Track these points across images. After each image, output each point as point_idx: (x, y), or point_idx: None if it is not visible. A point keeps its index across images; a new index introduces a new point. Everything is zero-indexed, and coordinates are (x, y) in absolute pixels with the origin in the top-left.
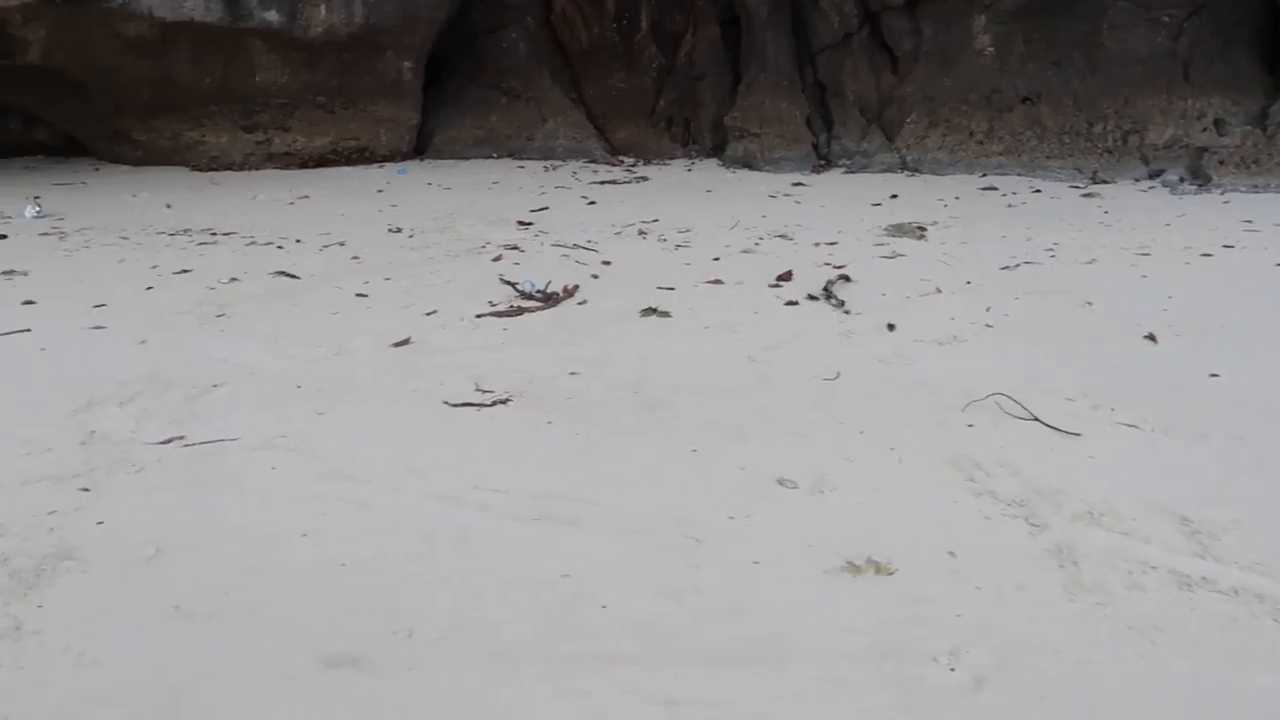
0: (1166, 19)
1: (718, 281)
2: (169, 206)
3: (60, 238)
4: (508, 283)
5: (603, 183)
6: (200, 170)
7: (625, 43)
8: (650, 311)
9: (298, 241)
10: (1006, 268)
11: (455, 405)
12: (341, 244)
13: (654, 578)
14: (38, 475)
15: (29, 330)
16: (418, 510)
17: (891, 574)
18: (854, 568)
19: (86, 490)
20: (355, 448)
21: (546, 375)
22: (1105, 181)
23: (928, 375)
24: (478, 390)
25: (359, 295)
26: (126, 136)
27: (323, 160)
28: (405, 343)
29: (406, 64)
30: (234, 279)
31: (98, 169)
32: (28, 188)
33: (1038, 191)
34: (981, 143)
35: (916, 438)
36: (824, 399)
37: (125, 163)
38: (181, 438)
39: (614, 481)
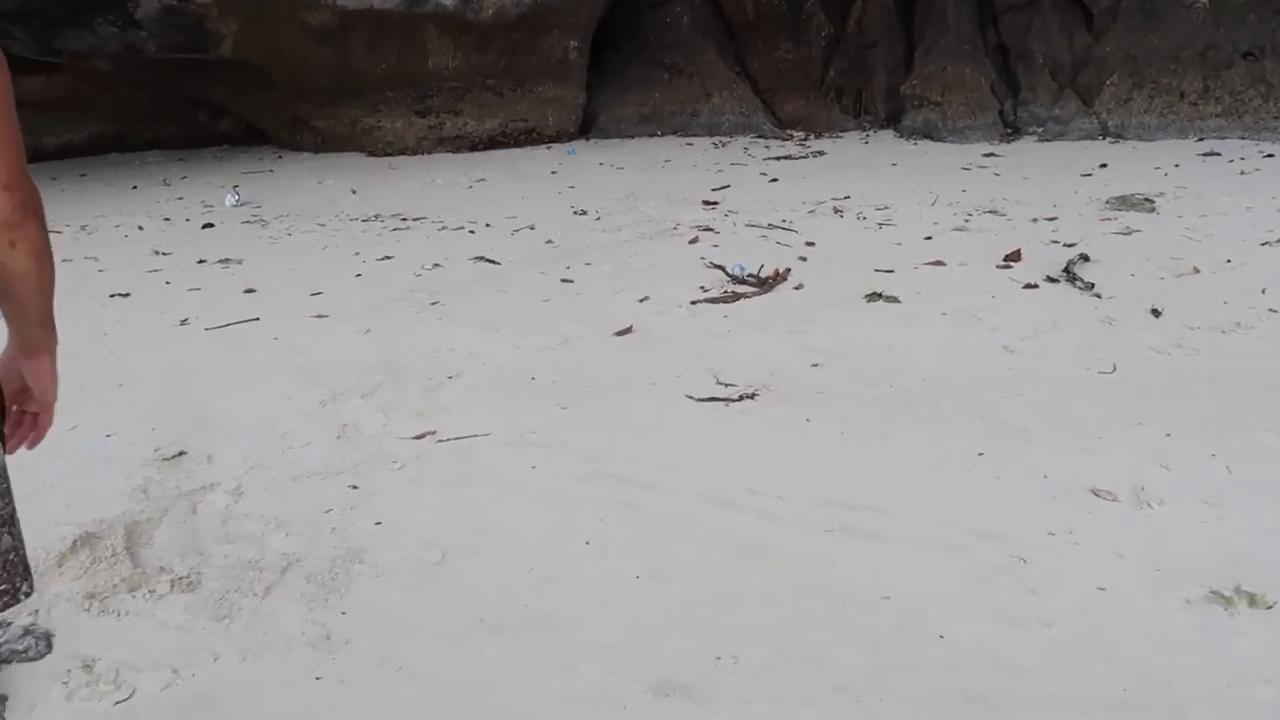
0: None
1: (939, 263)
2: (354, 192)
3: (262, 225)
4: (716, 266)
5: (778, 158)
6: (376, 155)
7: (793, 12)
8: (876, 296)
9: (487, 225)
10: (1267, 243)
11: (700, 400)
12: (531, 227)
13: (988, 603)
14: (304, 470)
15: (258, 319)
16: (695, 516)
17: (1270, 607)
18: (1223, 599)
19: (355, 488)
20: (609, 445)
21: (786, 367)
22: None
23: (1220, 369)
24: (719, 383)
25: (564, 281)
26: (306, 124)
27: (492, 142)
28: (628, 331)
29: (572, 43)
30: (436, 265)
31: (280, 157)
32: (222, 177)
33: (1270, 156)
34: (1195, 104)
35: (1239, 442)
36: (1107, 395)
37: (305, 150)
38: (433, 433)
39: (902, 488)
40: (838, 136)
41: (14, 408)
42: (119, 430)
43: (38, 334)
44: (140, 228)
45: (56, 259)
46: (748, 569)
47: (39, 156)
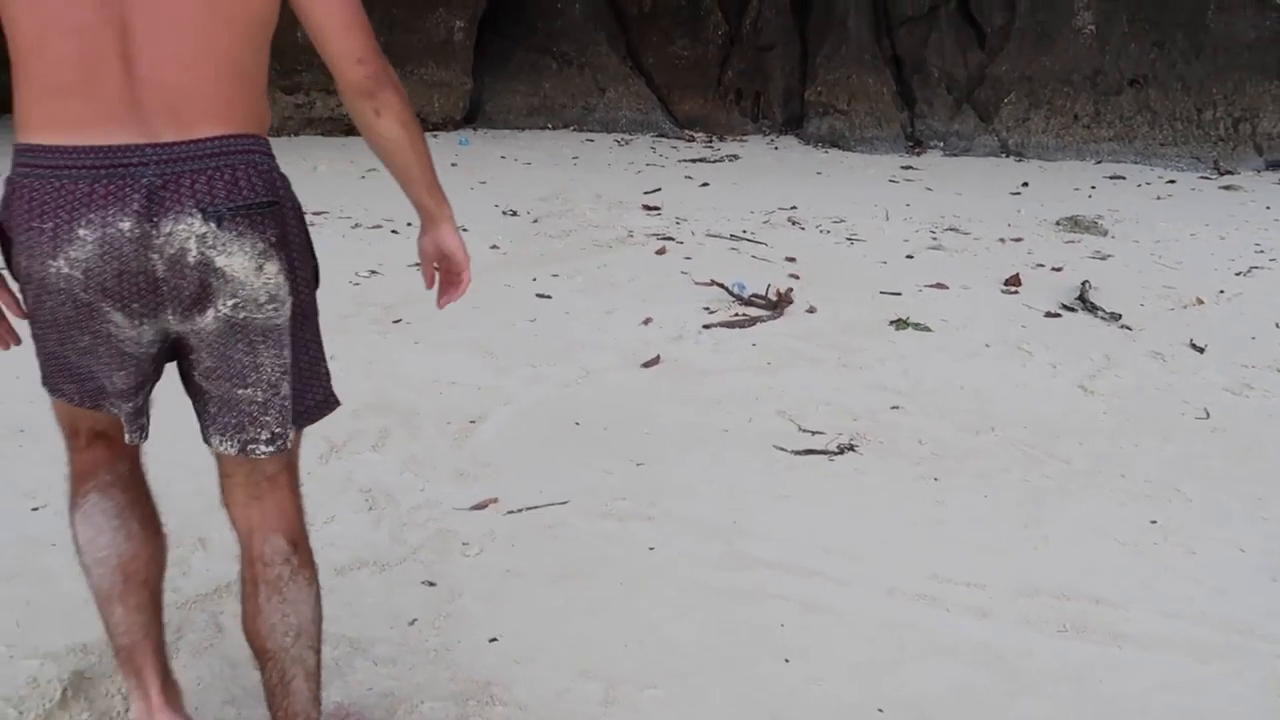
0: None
1: (941, 286)
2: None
3: None
4: (717, 285)
5: (692, 160)
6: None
7: (691, 8)
8: (904, 324)
9: (409, 225)
10: (1241, 273)
11: (796, 453)
12: (464, 229)
13: None
14: (349, 559)
15: None
16: (898, 617)
17: None
18: None
19: (432, 585)
20: (728, 515)
21: (863, 409)
22: (1230, 172)
23: None
24: (801, 430)
25: (541, 296)
26: None
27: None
28: (655, 362)
29: (459, 23)
30: (373, 271)
31: None
32: None
33: (1172, 182)
34: (1088, 127)
35: None
36: (1226, 447)
37: None
38: (494, 501)
39: (1107, 572)
40: (741, 140)
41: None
42: (46, 497)
43: (430, 202)
44: None
45: None
46: (1008, 694)
47: None
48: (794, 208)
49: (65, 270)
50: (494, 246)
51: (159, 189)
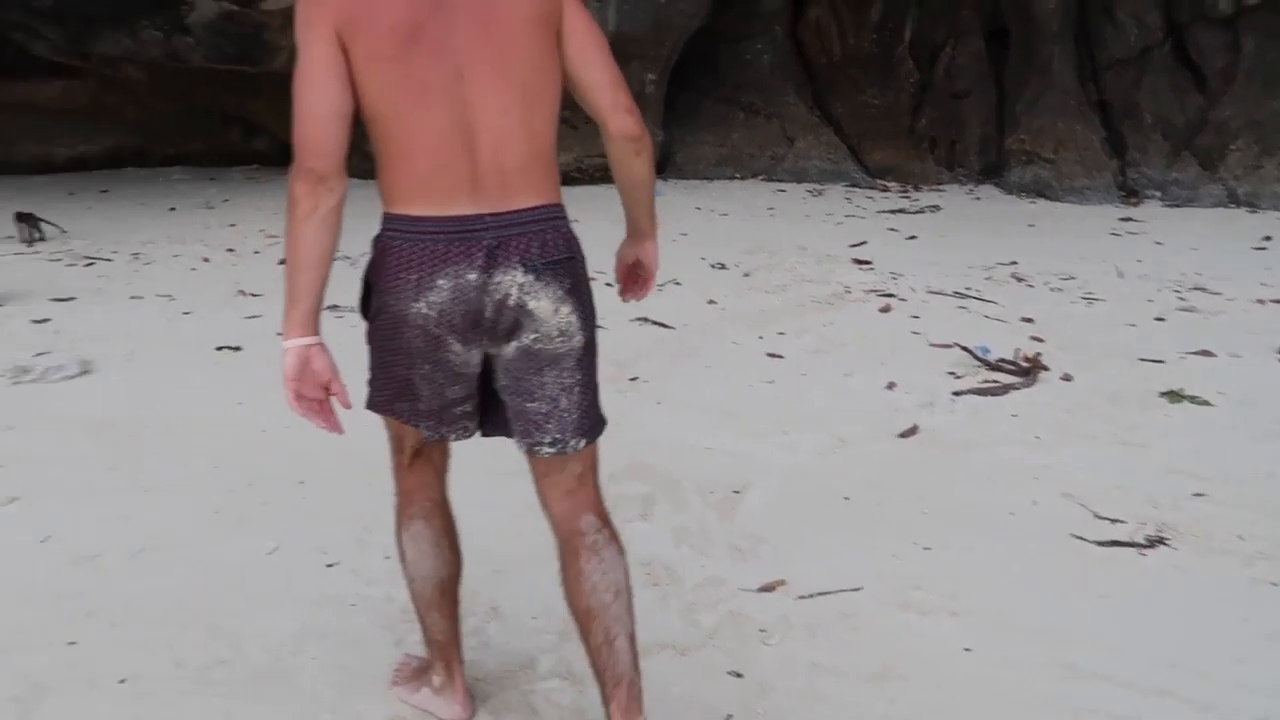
0: None
1: (1207, 353)
2: None
3: (350, 263)
4: (962, 348)
5: (891, 211)
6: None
7: (883, 55)
8: (1177, 396)
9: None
10: None
11: (1100, 544)
12: (677, 282)
13: None
14: (644, 639)
15: None
16: None
17: None
18: None
19: (739, 676)
20: (1044, 617)
21: (1163, 496)
22: None
23: None
24: (1098, 518)
25: (772, 356)
26: (355, 148)
27: (566, 179)
28: (912, 432)
29: (650, 76)
30: (598, 325)
31: None
32: (267, 200)
33: None
34: None
35: None
36: None
37: (353, 176)
38: (782, 583)
39: None
40: (938, 189)
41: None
42: (338, 554)
43: (647, 224)
44: (206, 259)
45: (118, 290)
46: None
47: (49, 168)
48: (1014, 262)
49: (424, 310)
50: (711, 301)
51: (495, 249)
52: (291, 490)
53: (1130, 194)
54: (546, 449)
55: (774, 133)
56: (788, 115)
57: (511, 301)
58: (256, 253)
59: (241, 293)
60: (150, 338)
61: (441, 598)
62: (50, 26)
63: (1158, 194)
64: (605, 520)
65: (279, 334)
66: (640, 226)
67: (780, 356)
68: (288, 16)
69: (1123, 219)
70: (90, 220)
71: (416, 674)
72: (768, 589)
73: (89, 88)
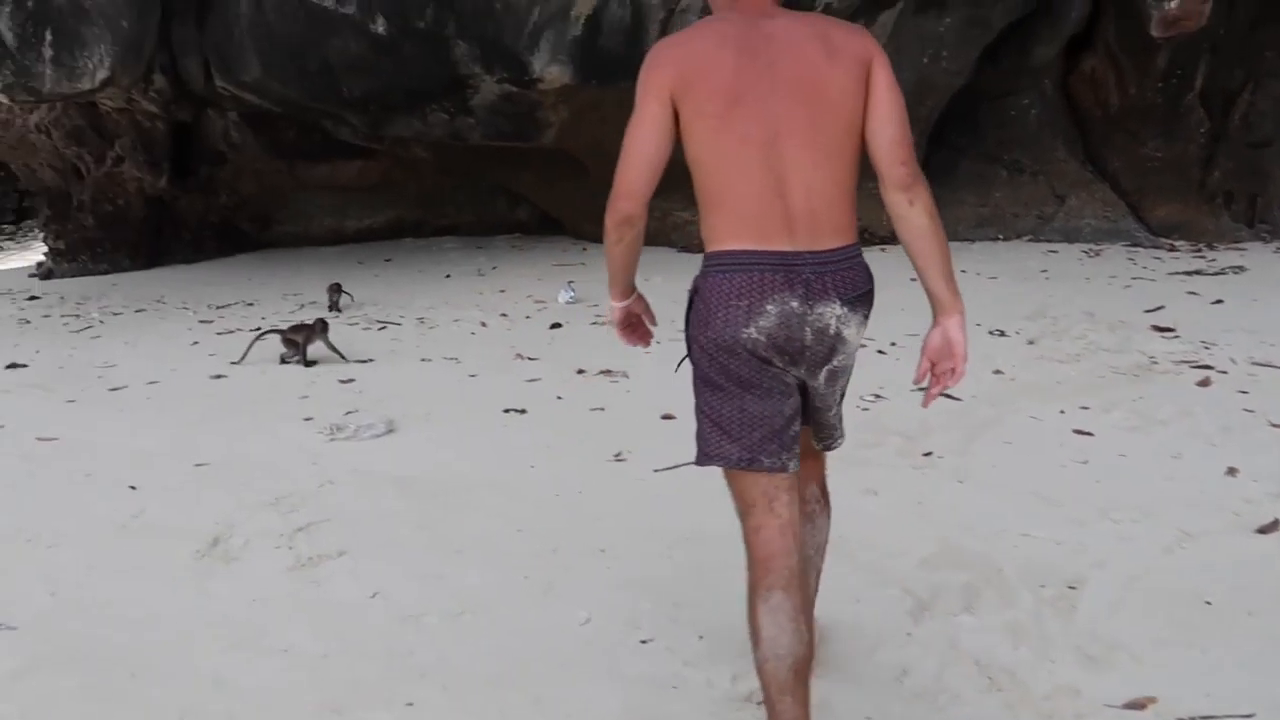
0: None
1: None
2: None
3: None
4: None
5: (1186, 273)
6: (690, 251)
7: (1168, 104)
8: None
9: (893, 344)
10: None
11: None
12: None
13: None
14: None
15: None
16: None
17: None
18: None
19: None
20: None
21: None
22: None
23: None
24: None
25: (1080, 433)
26: None
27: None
28: (1273, 527)
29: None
30: (877, 395)
31: (585, 249)
32: (530, 268)
33: None
34: None
35: None
36: None
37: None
38: (1153, 700)
39: None
40: (1238, 248)
41: (931, 365)
42: (652, 629)
43: (946, 292)
44: (483, 324)
45: (409, 352)
46: None
47: (340, 239)
48: None
49: (754, 334)
50: (997, 371)
51: (813, 282)
52: (594, 558)
53: None
54: (835, 446)
55: (1041, 191)
56: (1056, 172)
57: (831, 331)
58: (527, 318)
59: (519, 356)
60: (442, 398)
61: (796, 680)
62: (355, 114)
63: None
64: (824, 490)
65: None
66: (937, 297)
67: (1089, 434)
68: (560, 95)
69: None
70: (379, 288)
71: None
72: (1136, 706)
73: (381, 166)
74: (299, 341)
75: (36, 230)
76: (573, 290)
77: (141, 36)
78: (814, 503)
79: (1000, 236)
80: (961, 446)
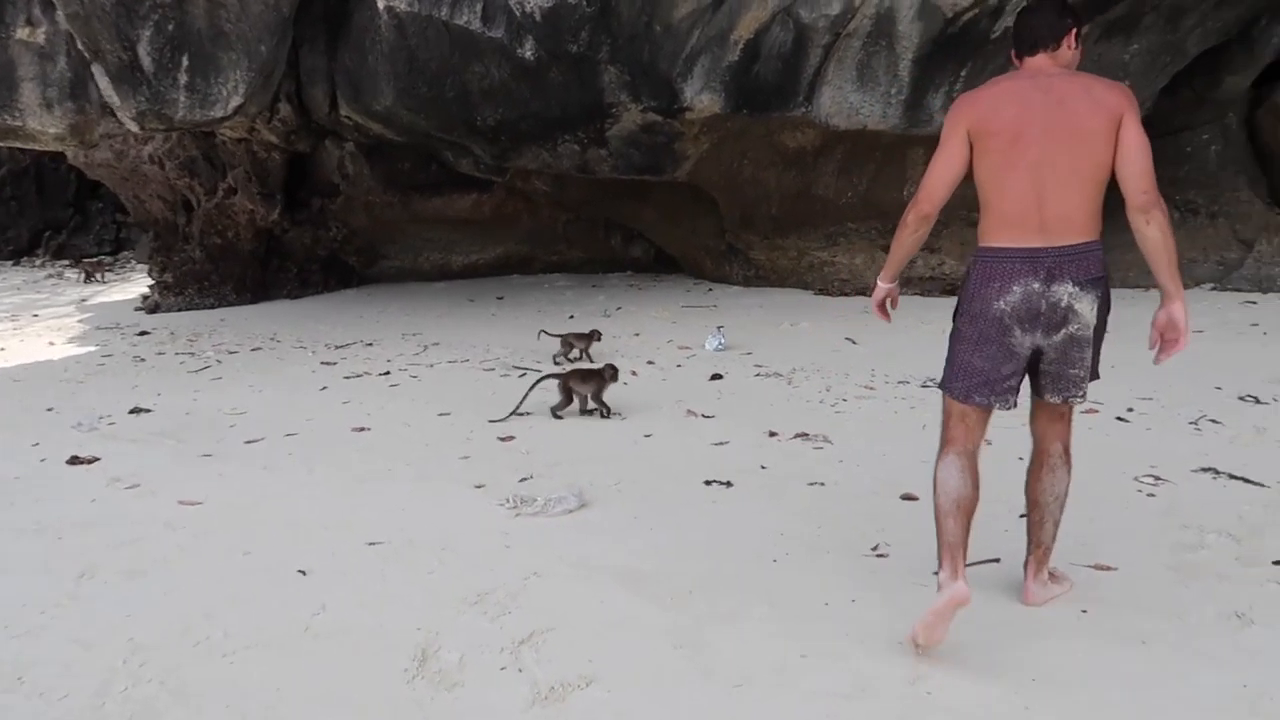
0: None
1: None
2: (853, 341)
3: (788, 382)
4: None
5: None
6: (828, 294)
7: None
8: None
9: (1133, 411)
10: None
11: None
12: (1214, 421)
13: None
14: None
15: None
16: None
17: None
18: None
19: None
20: None
21: None
22: None
23: None
24: None
25: None
26: (742, 254)
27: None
28: None
29: None
30: (1154, 477)
31: (711, 289)
32: (655, 308)
33: None
34: None
35: None
36: None
37: (732, 282)
38: None
39: None
40: None
41: (1160, 336)
42: None
43: (1171, 285)
44: (634, 373)
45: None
46: None
47: (446, 274)
48: None
49: (1002, 307)
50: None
51: (1053, 269)
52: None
53: None
54: (1075, 399)
55: (1222, 234)
56: (1240, 214)
57: (1063, 304)
58: (679, 366)
59: (691, 413)
60: (624, 463)
61: (957, 510)
62: (483, 144)
63: None
64: (1067, 448)
65: None
66: (1165, 288)
67: None
68: (704, 126)
69: None
70: (500, 329)
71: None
72: None
73: (495, 200)
74: (585, 393)
75: (134, 262)
76: (722, 336)
77: (275, 63)
78: (1056, 457)
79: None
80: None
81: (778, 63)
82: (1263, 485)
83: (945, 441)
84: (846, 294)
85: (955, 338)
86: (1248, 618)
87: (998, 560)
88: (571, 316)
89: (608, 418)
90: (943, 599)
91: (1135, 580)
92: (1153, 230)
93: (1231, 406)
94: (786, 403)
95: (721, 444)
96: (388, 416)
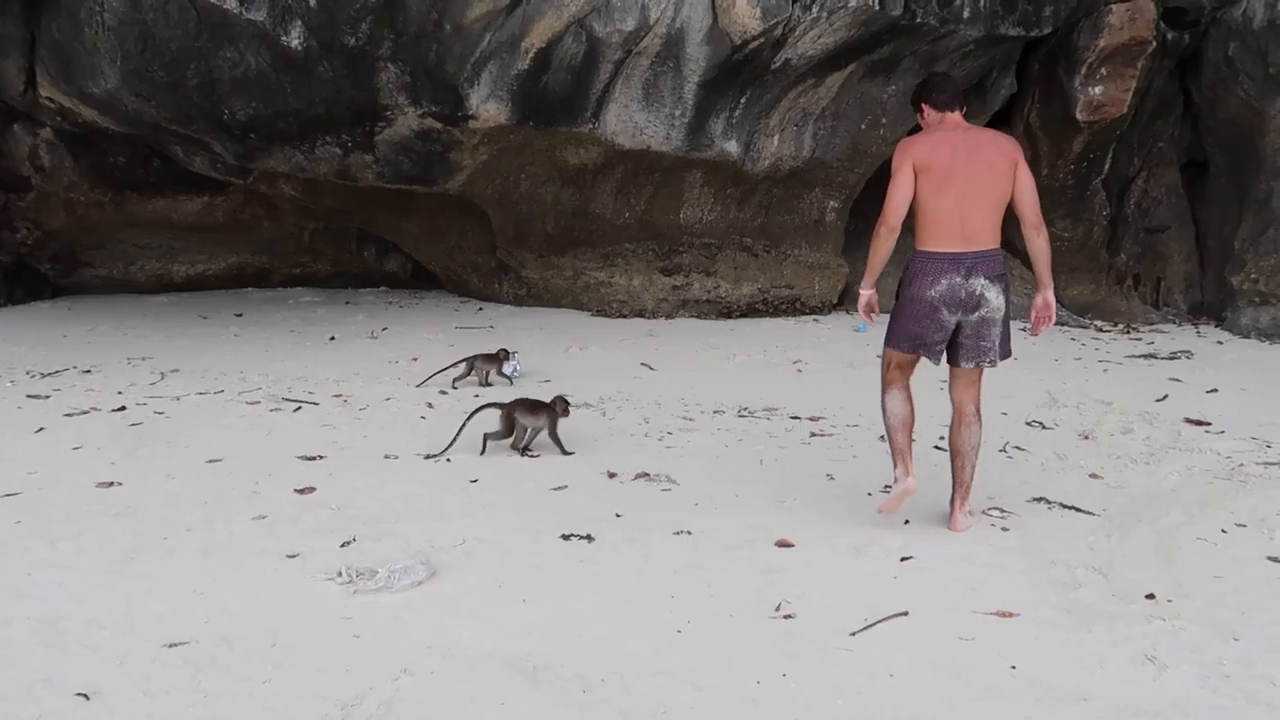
0: None
1: None
2: (650, 367)
3: (603, 414)
4: None
5: (1140, 356)
6: (607, 315)
7: (1079, 187)
8: None
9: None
10: None
11: None
12: (1095, 476)
13: None
14: None
15: (905, 613)
16: None
17: None
18: None
19: None
20: None
21: None
22: None
23: None
24: None
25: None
26: (514, 272)
27: (749, 309)
28: None
29: (832, 204)
30: (992, 508)
31: (481, 308)
32: (432, 330)
33: None
34: None
35: None
36: None
37: (502, 301)
38: None
39: None
40: (1158, 330)
41: (1038, 314)
42: None
43: (1046, 278)
44: (430, 404)
45: (361, 447)
46: None
47: (167, 287)
48: None
49: (933, 294)
50: (1094, 475)
51: (971, 267)
52: None
53: None
54: (986, 364)
55: None
56: None
57: (977, 293)
58: (476, 395)
59: (514, 451)
60: (458, 518)
61: (904, 426)
62: (227, 140)
63: None
64: (978, 408)
65: None
66: (1042, 281)
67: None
68: (485, 137)
69: None
70: (256, 353)
71: (890, 492)
72: None
73: (231, 204)
74: (529, 426)
75: None
76: (517, 361)
77: None
78: (971, 415)
79: None
80: (1179, 591)
81: (567, 75)
82: (1093, 514)
83: (888, 381)
84: (625, 315)
85: (898, 313)
86: (1160, 662)
87: (906, 614)
88: (333, 338)
89: (566, 454)
90: (899, 489)
91: (1039, 627)
92: (1041, 240)
93: (1025, 433)
94: (610, 437)
95: (561, 488)
96: (140, 466)
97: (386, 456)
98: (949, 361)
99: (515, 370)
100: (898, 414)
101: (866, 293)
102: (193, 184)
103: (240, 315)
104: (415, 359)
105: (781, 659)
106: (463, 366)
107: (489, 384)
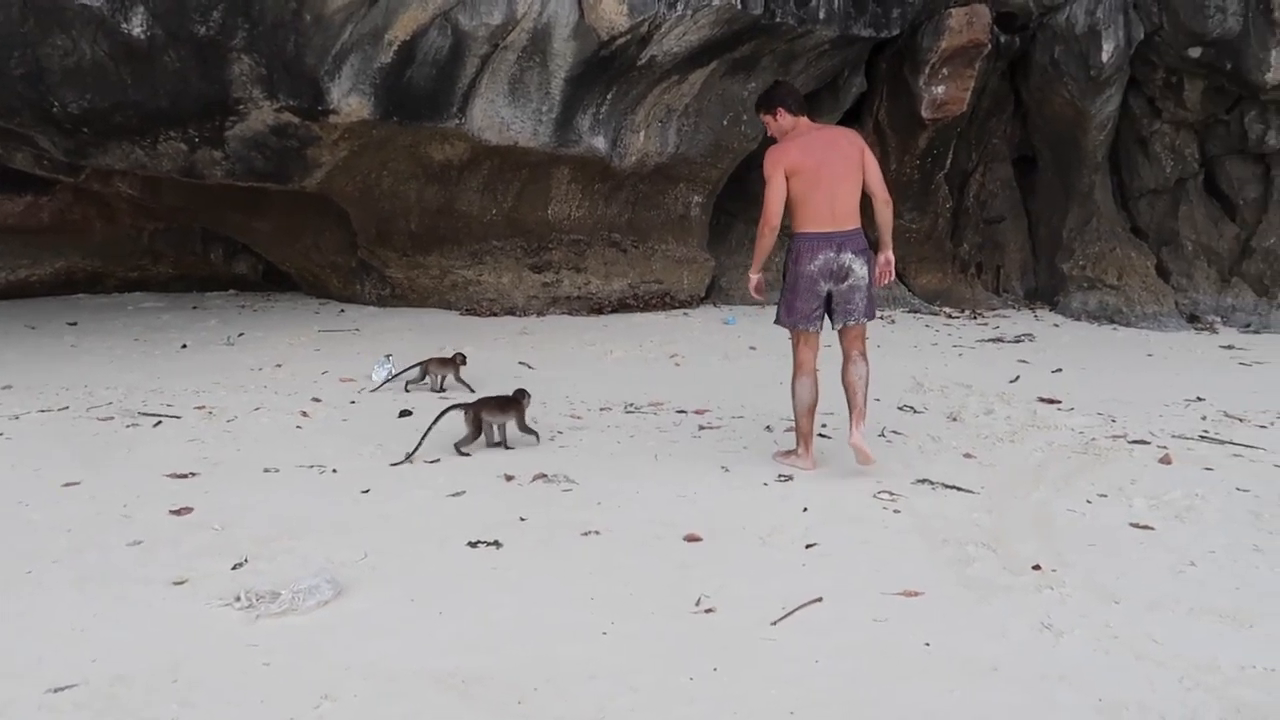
0: None
1: None
2: (529, 366)
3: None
4: None
5: (989, 340)
6: (477, 314)
7: (924, 181)
8: None
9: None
10: None
11: None
12: (969, 456)
13: None
14: None
15: (820, 599)
16: None
17: None
18: None
19: None
20: None
21: None
22: None
23: None
24: None
25: (1139, 526)
26: (376, 272)
27: (620, 305)
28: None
29: (696, 199)
30: (882, 491)
31: (344, 311)
32: (291, 334)
33: None
34: None
35: None
36: None
37: (365, 302)
38: None
39: None
40: (1001, 315)
41: (881, 271)
42: None
43: (889, 240)
44: (304, 413)
45: (238, 459)
46: None
47: None
48: (1200, 398)
49: (812, 269)
50: (968, 455)
51: (841, 244)
52: None
53: (1192, 319)
54: (854, 321)
55: None
56: None
57: (846, 265)
58: (352, 403)
59: (408, 459)
60: (354, 530)
61: (809, 412)
62: (56, 135)
63: (1217, 319)
64: (863, 351)
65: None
66: (885, 242)
67: (1149, 527)
68: (346, 132)
69: (1225, 346)
70: (99, 365)
71: (787, 454)
72: None
73: (58, 204)
74: (497, 423)
75: None
76: (391, 365)
77: None
78: (856, 355)
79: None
80: (1060, 560)
81: (433, 70)
82: (972, 492)
83: (798, 365)
84: (496, 314)
85: (788, 292)
86: (1056, 628)
87: (820, 600)
88: (185, 346)
89: (538, 442)
90: (800, 464)
91: (944, 604)
92: (888, 212)
93: (899, 417)
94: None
95: (459, 494)
96: None
97: (266, 470)
98: (832, 324)
99: (390, 373)
100: (805, 400)
101: (756, 275)
102: (13, 183)
103: (75, 324)
104: (279, 365)
105: (709, 653)
106: (416, 371)
107: (443, 390)
